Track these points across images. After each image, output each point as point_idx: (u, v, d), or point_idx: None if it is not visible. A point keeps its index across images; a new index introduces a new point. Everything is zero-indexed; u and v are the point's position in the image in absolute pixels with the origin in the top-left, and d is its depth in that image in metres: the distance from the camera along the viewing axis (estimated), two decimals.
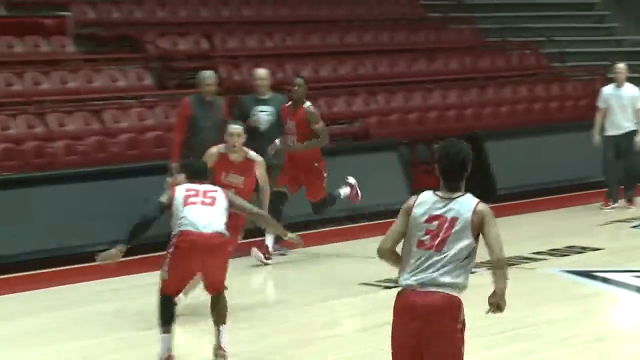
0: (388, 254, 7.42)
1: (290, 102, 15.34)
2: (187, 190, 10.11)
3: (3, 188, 15.61)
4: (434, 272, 7.24)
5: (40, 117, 17.38)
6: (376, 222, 17.24)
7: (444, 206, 7.15)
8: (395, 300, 7.40)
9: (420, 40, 24.98)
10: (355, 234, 17.17)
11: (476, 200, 7.14)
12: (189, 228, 9.92)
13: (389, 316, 11.40)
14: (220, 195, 10.15)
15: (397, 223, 7.33)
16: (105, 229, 14.98)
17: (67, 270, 14.92)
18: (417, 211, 7.18)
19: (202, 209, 10.00)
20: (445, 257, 7.18)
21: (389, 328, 11.65)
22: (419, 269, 7.24)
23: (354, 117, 21.32)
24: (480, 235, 7.18)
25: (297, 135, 15.10)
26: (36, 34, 19.37)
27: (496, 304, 7.11)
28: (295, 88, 15.21)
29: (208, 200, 10.08)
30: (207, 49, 21.55)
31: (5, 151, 16.34)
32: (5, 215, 15.13)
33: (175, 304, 10.06)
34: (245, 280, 14.16)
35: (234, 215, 10.80)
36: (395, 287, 13.45)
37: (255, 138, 15.22)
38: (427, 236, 7.18)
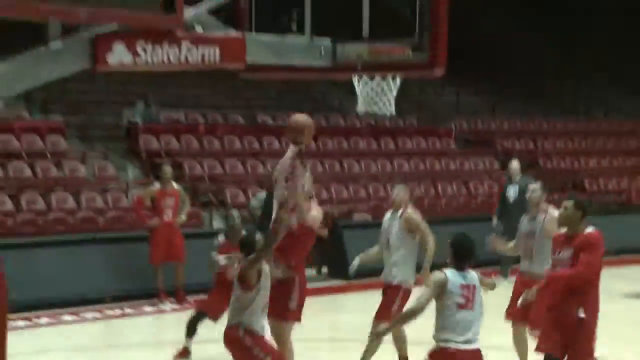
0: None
1: None
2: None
3: None
4: (475, 331, 6.76)
5: None
6: None
7: (466, 277, 6.79)
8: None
9: None
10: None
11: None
12: None
13: None
14: None
15: (427, 294, 6.82)
16: None
17: None
18: (450, 284, 6.73)
19: None
20: (478, 314, 6.82)
21: None
22: (464, 329, 6.69)
23: None
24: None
25: None
26: None
27: None
28: None
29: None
30: None
31: None
32: None
33: None
34: None
35: None
36: None
37: (507, 211, 15.35)
38: (462, 299, 6.72)
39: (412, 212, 9.74)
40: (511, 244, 9.99)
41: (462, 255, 6.72)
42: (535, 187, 9.98)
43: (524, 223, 9.90)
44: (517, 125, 24.76)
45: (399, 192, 9.85)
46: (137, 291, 14.30)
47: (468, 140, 23.24)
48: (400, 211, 9.75)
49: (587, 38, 30.53)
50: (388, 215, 9.92)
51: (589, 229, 7.74)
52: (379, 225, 9.94)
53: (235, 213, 10.60)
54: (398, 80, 12.95)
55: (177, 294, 14.32)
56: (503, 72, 28.34)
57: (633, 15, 31.08)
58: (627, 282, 15.98)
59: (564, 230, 7.87)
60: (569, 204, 7.74)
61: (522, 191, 14.41)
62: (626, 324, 12.72)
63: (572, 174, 23.15)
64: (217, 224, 17.07)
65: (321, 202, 17.08)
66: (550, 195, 19.62)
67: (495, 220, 15.69)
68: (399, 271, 9.60)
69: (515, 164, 15.81)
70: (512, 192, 15.52)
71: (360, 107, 13.99)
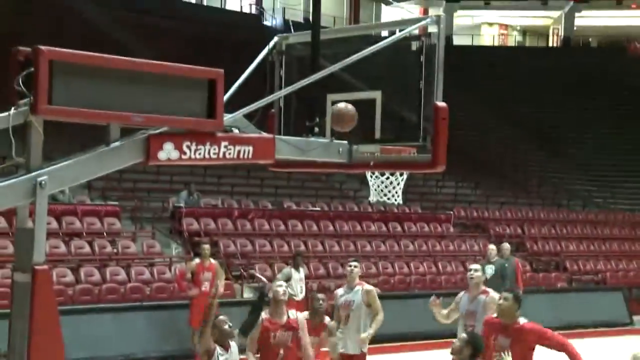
0: None
1: None
2: None
3: None
4: None
5: None
6: None
7: None
8: None
9: None
10: None
11: None
12: None
13: None
14: None
15: None
16: None
17: None
18: None
19: None
20: None
21: None
22: None
23: None
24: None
25: None
26: None
27: None
28: None
29: None
30: None
31: None
32: None
33: None
34: None
35: None
36: None
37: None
38: None
39: (372, 287, 9.35)
40: (444, 311, 9.08)
41: (478, 350, 6.58)
42: (476, 267, 9.09)
43: (464, 301, 9.02)
44: (507, 213, 24.50)
45: (355, 267, 9.32)
46: (177, 351, 14.23)
47: (465, 225, 23.03)
48: (358, 286, 9.28)
49: (568, 144, 30.69)
50: (341, 291, 9.39)
51: (523, 320, 7.22)
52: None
53: (321, 296, 9.13)
54: (405, 175, 13.08)
55: None
56: (495, 168, 28.38)
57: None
58: (602, 352, 15.79)
59: (495, 315, 7.44)
60: (509, 296, 7.23)
61: (496, 270, 14.73)
62: None
63: (555, 256, 22.71)
64: (247, 294, 17.05)
65: (338, 277, 18.40)
66: (537, 274, 20.04)
67: None
68: (365, 342, 9.25)
69: (492, 247, 15.56)
70: (489, 271, 15.15)
71: (372, 198, 14.10)
